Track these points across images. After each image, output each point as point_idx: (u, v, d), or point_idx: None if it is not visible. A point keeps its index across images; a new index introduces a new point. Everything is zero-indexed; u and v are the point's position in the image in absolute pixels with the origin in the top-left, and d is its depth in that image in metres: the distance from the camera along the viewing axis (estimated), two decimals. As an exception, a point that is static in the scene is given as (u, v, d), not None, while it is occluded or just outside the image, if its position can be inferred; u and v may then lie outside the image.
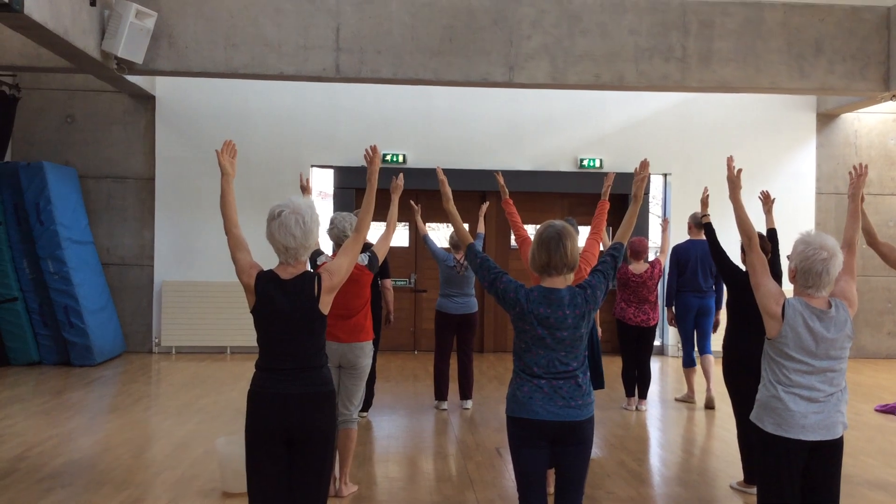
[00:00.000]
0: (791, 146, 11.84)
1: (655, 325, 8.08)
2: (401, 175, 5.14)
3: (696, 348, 8.36)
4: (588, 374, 3.55)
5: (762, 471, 3.59)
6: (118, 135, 11.01)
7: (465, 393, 8.03)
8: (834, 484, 3.55)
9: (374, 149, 3.96)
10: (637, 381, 8.06)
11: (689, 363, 8.37)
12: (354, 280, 4.98)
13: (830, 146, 11.87)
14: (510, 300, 3.53)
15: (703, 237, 8.48)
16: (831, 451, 3.51)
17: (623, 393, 8.18)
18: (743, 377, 5.25)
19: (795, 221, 11.54)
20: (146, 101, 11.00)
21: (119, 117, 11.02)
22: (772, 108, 11.73)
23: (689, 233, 8.51)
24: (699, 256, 8.15)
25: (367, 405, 7.53)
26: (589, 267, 5.06)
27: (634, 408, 7.99)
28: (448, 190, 4.05)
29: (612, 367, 9.81)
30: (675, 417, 7.97)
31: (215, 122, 11.09)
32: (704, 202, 5.92)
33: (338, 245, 5.40)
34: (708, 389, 8.13)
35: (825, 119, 11.85)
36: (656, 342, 10.36)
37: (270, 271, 3.46)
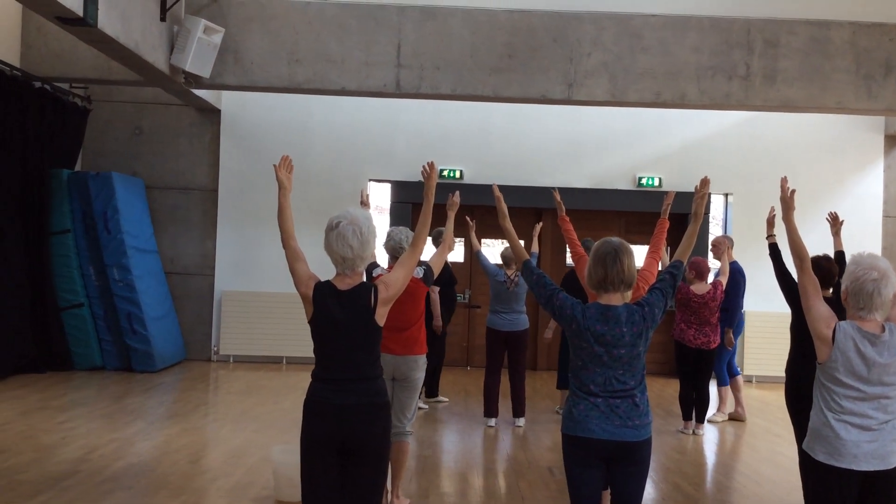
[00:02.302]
0: (857, 168, 11.57)
1: (716, 348, 7.93)
2: (457, 192, 5.18)
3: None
4: (646, 393, 3.51)
5: (813, 501, 3.50)
6: (184, 147, 11.30)
7: (517, 411, 7.99)
8: None
9: (431, 165, 3.97)
10: (695, 405, 7.91)
11: (731, 376, 8.57)
12: (410, 293, 5.00)
13: (899, 168, 11.56)
14: (566, 317, 3.51)
15: (735, 259, 8.54)
16: (887, 481, 3.38)
17: (680, 416, 8.03)
18: (805, 402, 5.12)
19: (861, 245, 11.15)
20: (212, 114, 11.27)
21: (185, 130, 11.31)
22: (838, 128, 11.48)
23: (726, 255, 8.39)
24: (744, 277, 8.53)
25: (434, 392, 8.82)
26: (647, 285, 5.00)
27: (691, 431, 7.85)
28: (504, 207, 4.06)
29: (668, 389, 9.68)
30: (732, 442, 7.81)
31: (277, 136, 11.30)
32: (770, 222, 5.80)
33: (394, 258, 5.44)
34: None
35: (893, 141, 11.54)
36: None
37: (328, 282, 3.50)
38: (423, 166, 4.00)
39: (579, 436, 3.44)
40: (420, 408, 8.67)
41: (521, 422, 7.94)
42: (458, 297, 11.51)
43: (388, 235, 5.46)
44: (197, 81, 9.15)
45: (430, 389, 8.82)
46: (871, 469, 3.35)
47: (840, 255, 5.64)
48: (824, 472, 3.40)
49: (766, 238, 5.71)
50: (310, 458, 3.43)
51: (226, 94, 11.16)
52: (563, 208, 5.92)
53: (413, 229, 5.52)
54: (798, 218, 10.72)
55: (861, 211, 11.46)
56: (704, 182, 3.98)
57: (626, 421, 3.41)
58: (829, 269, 5.28)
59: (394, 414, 5.09)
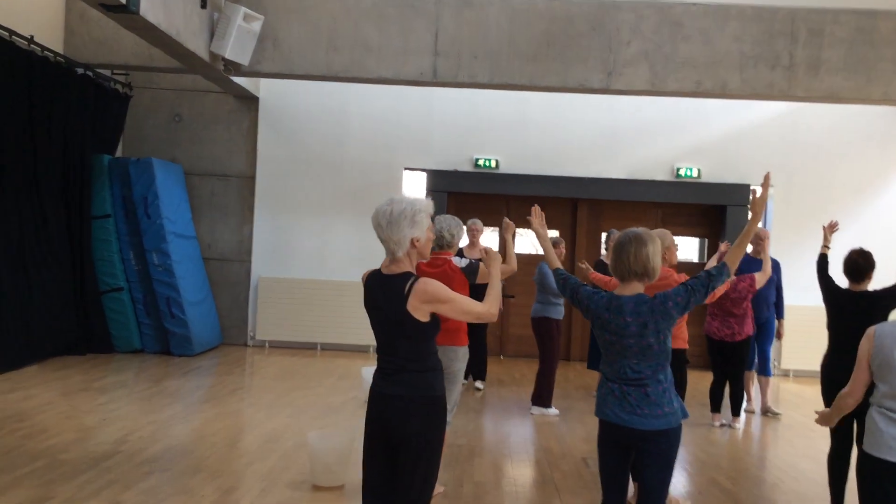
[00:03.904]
0: (902, 160, 11.33)
1: (744, 340, 7.74)
2: (510, 223, 4.97)
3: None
4: (664, 385, 3.49)
5: (859, 488, 3.62)
6: (222, 134, 11.40)
7: (533, 397, 8.10)
8: None
9: (487, 252, 3.72)
10: (731, 398, 7.83)
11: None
12: (448, 281, 4.99)
13: (946, 161, 11.29)
14: (584, 306, 3.69)
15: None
16: None
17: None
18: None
19: (905, 239, 11.04)
20: (250, 101, 11.35)
21: (224, 117, 11.41)
22: (883, 118, 11.24)
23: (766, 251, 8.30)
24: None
25: (482, 375, 9.11)
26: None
27: (718, 424, 7.77)
28: (545, 241, 4.09)
29: (704, 382, 9.60)
30: (769, 436, 7.72)
31: (314, 124, 11.38)
32: (827, 233, 5.77)
33: (438, 246, 5.31)
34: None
35: (941, 132, 11.28)
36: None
37: (378, 268, 3.45)
38: (482, 250, 3.74)
39: (600, 418, 3.62)
40: (478, 389, 9.05)
41: (534, 410, 7.98)
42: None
43: (435, 223, 5.39)
44: (236, 69, 9.22)
45: (475, 373, 9.13)
46: None
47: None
48: (867, 460, 3.54)
49: (822, 248, 5.67)
50: (364, 447, 3.39)
51: (264, 81, 11.23)
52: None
53: (450, 216, 5.51)
54: (841, 210, 10.77)
55: (905, 204, 11.26)
56: (766, 178, 3.77)
57: (636, 409, 3.47)
58: (855, 260, 5.18)
59: None
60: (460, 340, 5.23)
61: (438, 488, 5.34)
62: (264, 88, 11.35)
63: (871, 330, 3.60)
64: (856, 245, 5.36)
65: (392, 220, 3.32)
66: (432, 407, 3.28)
